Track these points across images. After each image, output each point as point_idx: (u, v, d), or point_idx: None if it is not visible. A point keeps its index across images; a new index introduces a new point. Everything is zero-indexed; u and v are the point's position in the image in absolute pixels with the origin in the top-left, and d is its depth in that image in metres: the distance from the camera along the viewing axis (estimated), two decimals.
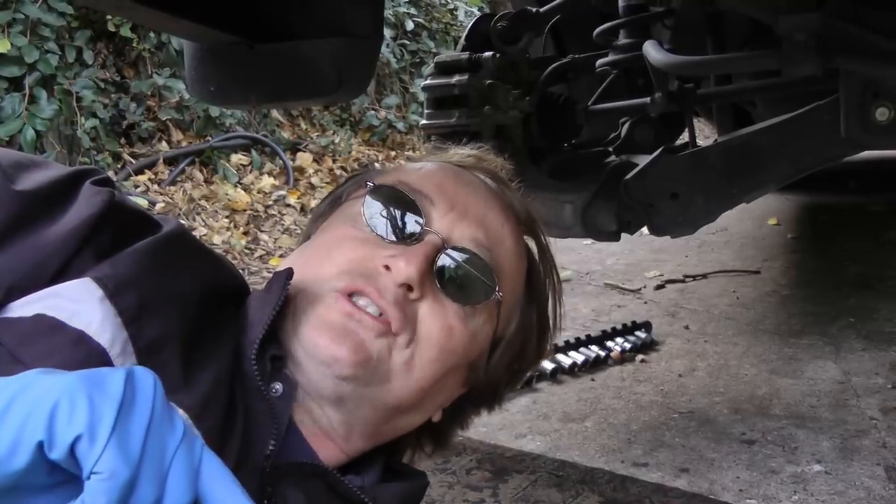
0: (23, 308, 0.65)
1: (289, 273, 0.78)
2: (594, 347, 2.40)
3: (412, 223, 0.82)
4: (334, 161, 5.34)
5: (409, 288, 0.77)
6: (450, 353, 0.81)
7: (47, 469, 0.49)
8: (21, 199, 0.69)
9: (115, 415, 0.49)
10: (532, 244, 0.95)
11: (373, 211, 0.82)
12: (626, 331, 2.52)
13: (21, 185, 0.70)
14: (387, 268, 0.77)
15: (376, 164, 5.55)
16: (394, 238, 0.81)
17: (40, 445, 0.47)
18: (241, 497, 0.55)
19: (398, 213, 0.82)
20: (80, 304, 0.66)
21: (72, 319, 0.65)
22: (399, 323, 0.76)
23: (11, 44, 3.74)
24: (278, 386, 0.75)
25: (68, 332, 0.64)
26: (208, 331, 0.73)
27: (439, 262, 0.80)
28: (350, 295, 0.77)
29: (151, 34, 4.43)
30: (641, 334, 2.51)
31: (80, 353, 0.64)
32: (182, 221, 3.91)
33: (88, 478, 0.47)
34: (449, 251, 0.81)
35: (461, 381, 0.88)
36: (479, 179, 0.92)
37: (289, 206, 4.53)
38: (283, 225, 4.31)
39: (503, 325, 0.89)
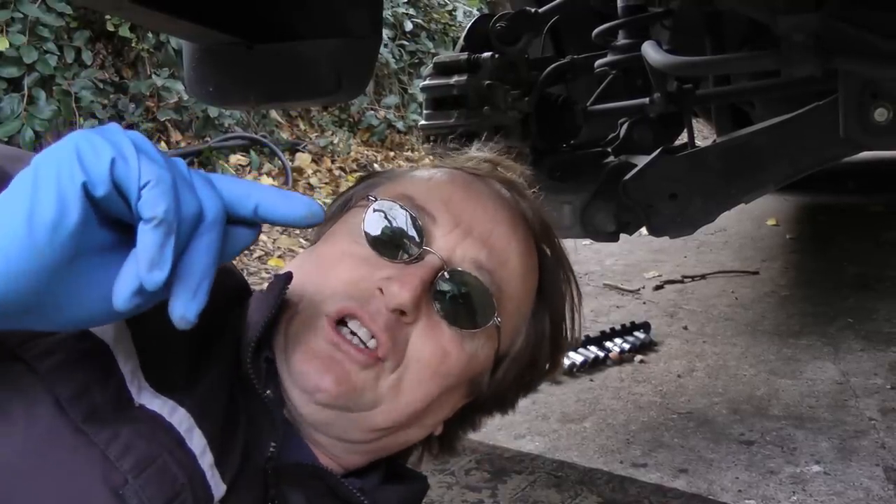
0: None
1: (287, 277, 0.78)
2: (593, 348, 2.40)
3: (412, 243, 0.79)
4: (333, 161, 5.34)
5: (403, 312, 0.76)
6: (443, 377, 0.79)
7: (99, 221, 0.50)
8: None
9: (129, 140, 0.50)
10: (548, 254, 0.93)
11: (373, 227, 0.80)
12: (625, 331, 2.52)
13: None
14: (381, 291, 0.76)
15: (375, 165, 5.54)
16: (392, 258, 0.79)
17: (84, 188, 0.48)
18: (258, 186, 0.56)
19: (398, 232, 0.80)
20: None
21: None
22: (385, 348, 0.75)
23: (10, 43, 3.74)
24: (269, 391, 0.75)
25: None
26: (212, 330, 0.73)
27: (437, 285, 0.78)
28: (342, 319, 0.76)
29: (150, 34, 4.43)
30: (640, 335, 2.51)
31: (83, 347, 0.63)
32: None
33: (139, 197, 0.49)
34: (448, 273, 0.79)
35: (463, 396, 0.87)
36: (492, 189, 0.89)
37: None
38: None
39: (506, 344, 0.87)
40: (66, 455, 0.61)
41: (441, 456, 0.96)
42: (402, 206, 0.81)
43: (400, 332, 0.76)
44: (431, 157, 1.24)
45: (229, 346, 0.75)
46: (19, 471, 0.60)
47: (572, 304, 0.94)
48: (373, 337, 0.75)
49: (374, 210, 0.81)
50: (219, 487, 0.67)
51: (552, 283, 0.92)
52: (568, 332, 0.95)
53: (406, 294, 0.75)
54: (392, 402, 0.77)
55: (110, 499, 0.61)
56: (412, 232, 0.80)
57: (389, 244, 0.79)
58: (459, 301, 0.79)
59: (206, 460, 0.66)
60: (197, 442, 0.66)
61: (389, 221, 0.80)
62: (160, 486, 0.63)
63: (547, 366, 0.94)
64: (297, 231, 4.25)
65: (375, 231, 0.80)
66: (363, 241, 0.80)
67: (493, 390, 0.89)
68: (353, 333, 0.76)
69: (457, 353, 0.79)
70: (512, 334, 0.87)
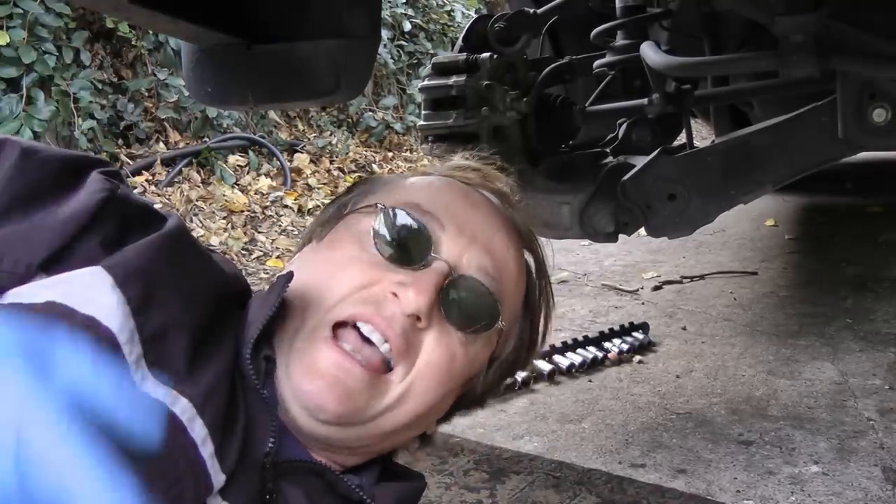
0: (34, 294, 0.66)
1: (288, 277, 0.79)
2: (591, 348, 2.40)
3: (422, 249, 0.81)
4: (332, 162, 5.34)
5: (418, 318, 0.77)
6: (449, 379, 0.81)
7: None
8: (34, 168, 0.71)
9: None
10: (530, 259, 0.95)
11: (381, 233, 0.81)
12: (624, 332, 2.52)
13: (37, 158, 0.72)
14: (394, 295, 0.77)
15: (374, 166, 5.54)
16: (402, 263, 0.80)
17: None
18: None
19: (407, 238, 0.81)
20: (91, 291, 0.66)
21: (82, 306, 0.65)
22: (400, 352, 0.77)
23: (10, 38, 3.73)
24: (266, 391, 0.76)
25: (78, 318, 0.64)
26: (214, 327, 0.74)
27: (446, 290, 0.80)
28: (354, 322, 0.77)
29: (150, 33, 4.43)
30: (639, 335, 2.51)
31: (89, 335, 0.64)
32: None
33: None
34: (456, 280, 0.81)
35: (456, 397, 0.88)
36: (486, 199, 0.92)
37: (286, 207, 4.53)
38: (280, 226, 4.31)
39: (501, 347, 0.90)
40: None
41: (422, 448, 0.97)
42: (410, 213, 0.83)
43: (415, 337, 0.78)
44: (428, 160, 1.25)
45: (230, 343, 0.76)
46: None
47: (548, 311, 0.97)
48: (386, 342, 0.76)
49: (383, 216, 0.82)
50: (218, 477, 0.68)
51: (535, 290, 0.95)
52: (540, 339, 0.98)
53: (423, 300, 0.76)
54: (398, 410, 0.79)
55: None
56: (422, 238, 0.82)
57: (399, 250, 0.81)
58: (467, 307, 0.81)
59: (206, 450, 0.67)
60: (198, 431, 0.67)
61: (399, 228, 0.82)
62: (161, 472, 0.63)
63: (521, 366, 0.98)
64: (296, 232, 4.25)
65: (385, 237, 0.81)
66: (371, 246, 0.81)
67: (481, 390, 0.91)
68: (364, 339, 0.76)
69: (462, 356, 0.81)
70: (507, 337, 0.90)
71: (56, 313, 0.64)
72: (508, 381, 1.02)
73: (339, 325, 0.77)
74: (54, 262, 0.68)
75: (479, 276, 0.82)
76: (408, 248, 0.81)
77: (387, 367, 0.77)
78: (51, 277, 0.67)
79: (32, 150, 0.73)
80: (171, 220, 0.78)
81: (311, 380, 0.75)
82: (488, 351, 0.87)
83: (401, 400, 0.78)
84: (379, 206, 0.84)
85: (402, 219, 0.82)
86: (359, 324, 0.77)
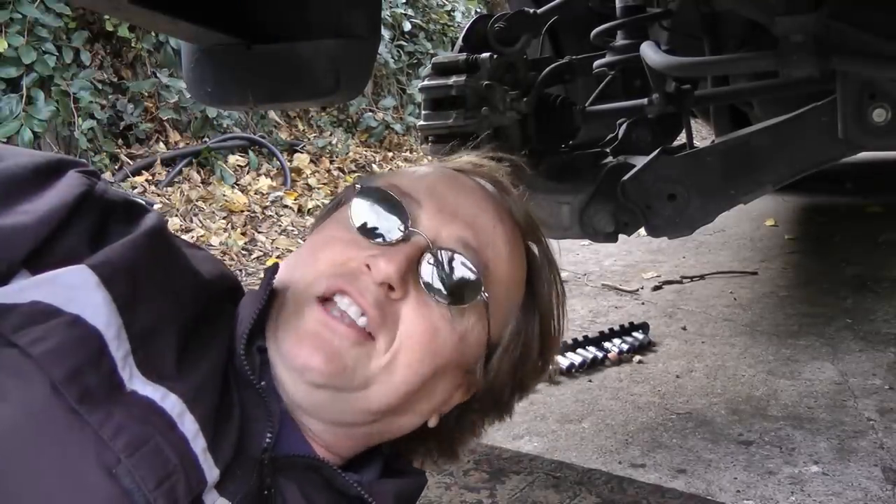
0: (19, 294, 0.66)
1: (274, 268, 0.80)
2: (591, 348, 2.40)
3: (397, 225, 0.81)
4: (331, 162, 5.34)
5: (391, 288, 0.77)
6: (434, 355, 0.80)
7: None
8: (10, 171, 0.71)
9: None
10: (535, 250, 0.94)
11: (360, 213, 0.82)
12: (624, 332, 2.52)
13: (11, 161, 0.72)
14: (368, 267, 0.78)
15: (374, 166, 5.55)
16: (379, 240, 0.81)
17: None
18: None
19: (384, 215, 0.82)
20: (75, 290, 0.66)
21: (67, 305, 0.65)
22: (376, 323, 0.76)
23: (8, 44, 3.74)
24: (264, 382, 0.76)
25: (63, 316, 0.65)
26: (204, 323, 0.75)
27: (424, 263, 0.80)
28: (331, 296, 0.77)
29: (150, 34, 4.43)
30: (639, 335, 2.51)
31: (76, 333, 0.64)
32: (176, 221, 3.91)
33: None
34: (434, 251, 0.81)
35: (457, 386, 0.87)
36: (476, 183, 0.91)
37: (286, 207, 4.53)
38: (280, 226, 4.31)
39: (497, 329, 0.87)
40: (60, 433, 0.63)
41: (442, 460, 0.96)
42: (386, 191, 0.83)
43: (389, 308, 0.78)
44: (429, 160, 1.26)
45: (223, 339, 0.76)
46: (15, 447, 0.61)
47: (558, 302, 0.95)
48: (363, 315, 0.77)
49: (360, 196, 0.83)
50: (212, 471, 0.68)
51: (540, 278, 0.93)
52: (556, 331, 0.95)
53: (392, 267, 0.76)
54: (385, 383, 0.78)
55: (104, 477, 0.62)
56: (397, 215, 0.82)
57: (376, 227, 0.81)
58: (445, 279, 0.81)
59: (198, 444, 0.68)
60: (189, 426, 0.67)
61: (375, 205, 0.83)
62: (152, 467, 0.64)
63: (539, 364, 0.95)
64: (296, 232, 4.26)
65: (362, 215, 0.82)
66: (350, 226, 0.82)
67: (489, 384, 0.89)
68: (342, 313, 0.77)
69: (447, 331, 0.80)
70: (502, 321, 0.88)
71: (41, 312, 0.64)
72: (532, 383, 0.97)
73: (319, 302, 0.78)
74: (35, 259, 0.69)
75: (459, 247, 0.82)
76: (383, 225, 0.81)
77: (370, 337, 0.77)
78: (35, 277, 0.68)
79: (6, 154, 0.73)
80: (152, 216, 0.78)
81: (299, 341, 0.76)
82: (481, 330, 0.85)
83: (386, 372, 0.77)
84: (357, 186, 0.85)
85: (379, 197, 0.83)
86: (335, 297, 0.77)
